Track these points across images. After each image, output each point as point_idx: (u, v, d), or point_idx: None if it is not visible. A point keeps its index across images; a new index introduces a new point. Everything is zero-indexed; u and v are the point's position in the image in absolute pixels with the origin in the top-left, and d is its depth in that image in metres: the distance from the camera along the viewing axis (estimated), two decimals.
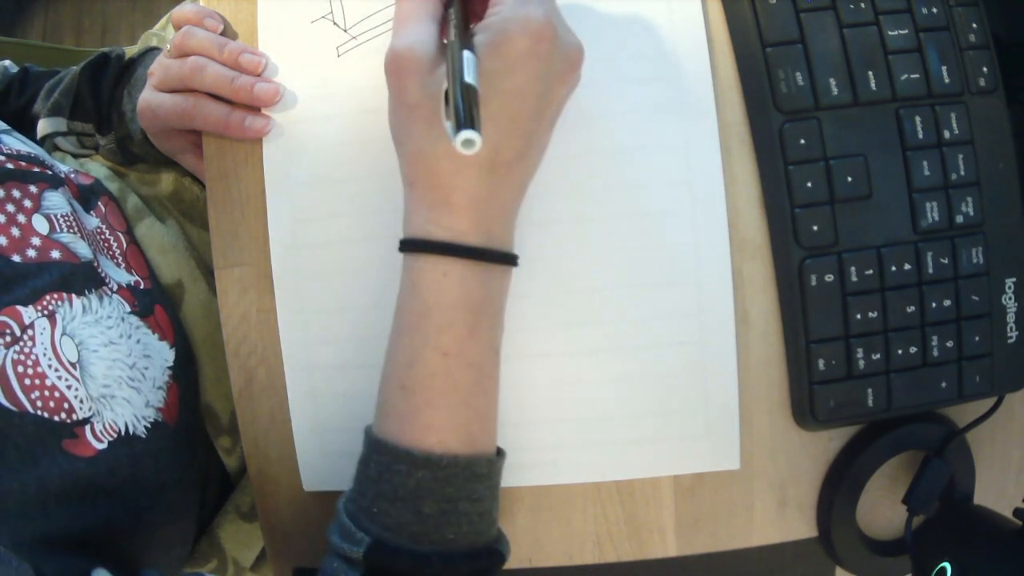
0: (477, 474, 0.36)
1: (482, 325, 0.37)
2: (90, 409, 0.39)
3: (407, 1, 0.36)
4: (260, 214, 0.44)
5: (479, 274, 0.36)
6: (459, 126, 0.30)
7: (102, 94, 0.53)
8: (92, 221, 0.47)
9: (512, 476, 0.43)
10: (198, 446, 0.49)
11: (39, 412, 0.37)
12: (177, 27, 0.45)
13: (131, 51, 0.55)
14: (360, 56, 0.43)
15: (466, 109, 0.30)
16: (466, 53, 0.33)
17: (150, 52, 0.54)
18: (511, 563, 0.45)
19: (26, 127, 0.55)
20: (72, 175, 0.49)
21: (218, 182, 0.45)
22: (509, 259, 0.38)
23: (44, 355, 0.38)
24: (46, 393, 0.37)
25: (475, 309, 0.36)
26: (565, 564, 0.44)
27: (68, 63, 0.59)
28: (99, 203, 0.49)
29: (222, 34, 0.45)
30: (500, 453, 0.39)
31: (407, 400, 0.36)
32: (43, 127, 0.54)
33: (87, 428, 0.39)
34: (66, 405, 0.38)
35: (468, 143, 0.30)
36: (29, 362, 0.37)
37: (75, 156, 0.56)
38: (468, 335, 0.36)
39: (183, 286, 0.50)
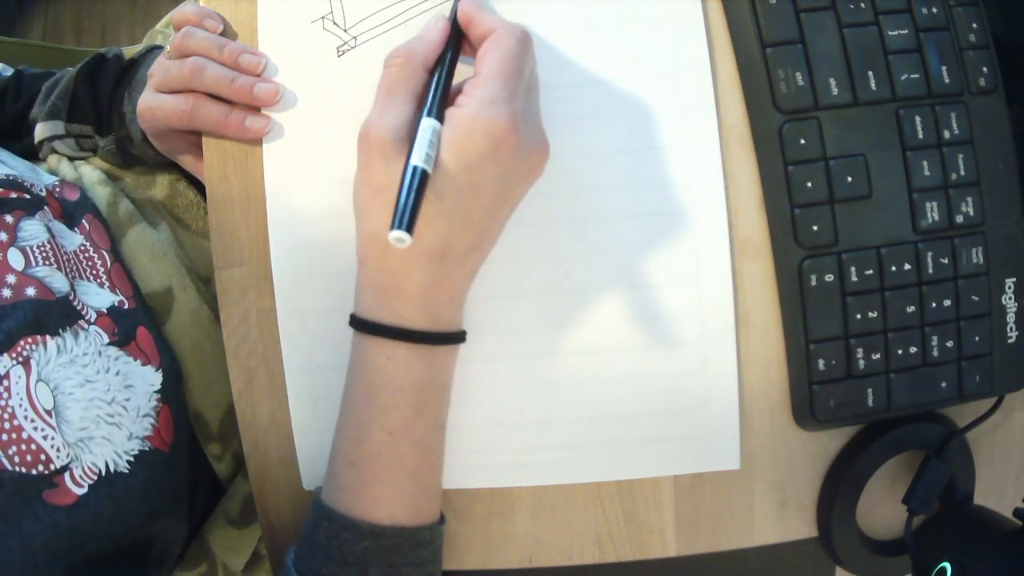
0: (421, 541, 0.38)
1: (427, 404, 0.38)
2: (68, 456, 0.38)
3: (393, 71, 0.36)
4: (260, 214, 0.44)
5: (424, 356, 0.37)
6: (393, 223, 0.31)
7: (101, 95, 0.53)
8: (76, 239, 0.46)
9: (512, 476, 0.43)
10: (195, 460, 0.49)
11: (17, 468, 0.36)
12: (177, 28, 0.45)
13: (132, 50, 0.55)
14: (360, 56, 0.43)
15: (408, 206, 0.32)
16: (431, 128, 0.33)
17: (151, 53, 0.54)
18: (511, 563, 0.45)
19: (24, 132, 0.55)
20: (56, 190, 0.47)
21: (218, 182, 0.45)
22: (456, 338, 0.39)
23: (20, 406, 0.37)
24: (23, 447, 0.36)
25: (420, 390, 0.37)
26: (565, 564, 0.45)
27: (68, 63, 0.58)
28: (83, 220, 0.48)
29: (222, 34, 0.45)
30: (442, 519, 0.40)
31: (356, 474, 0.38)
32: (41, 131, 0.54)
33: (66, 475, 0.38)
34: (43, 456, 0.37)
35: (399, 240, 0.31)
36: (5, 415, 0.36)
37: (72, 159, 0.55)
38: (413, 415, 0.37)
39: (172, 293, 0.49)
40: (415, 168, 0.33)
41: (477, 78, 0.35)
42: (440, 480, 0.41)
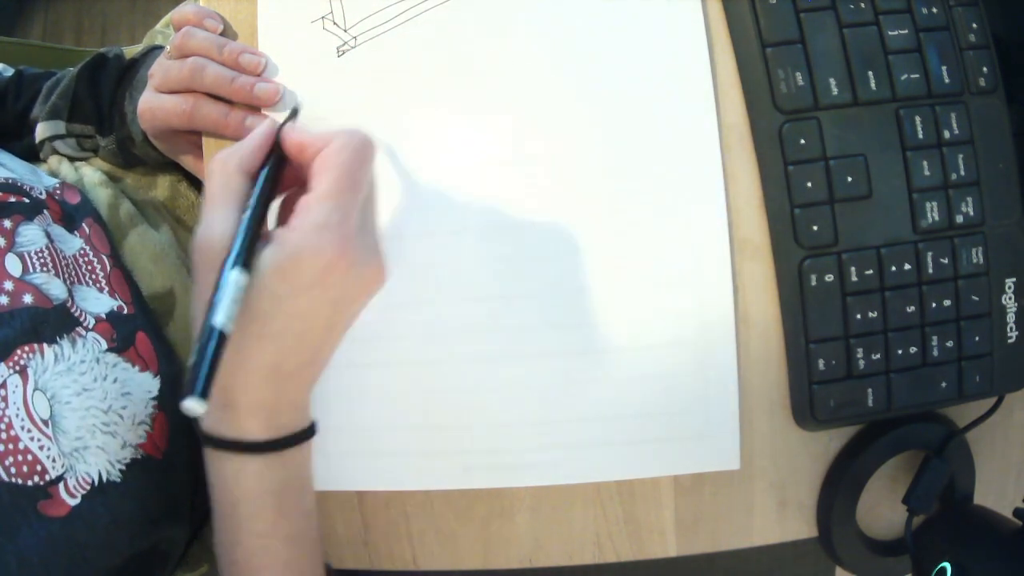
0: None
1: (288, 502, 0.38)
2: (63, 466, 0.38)
3: (215, 179, 0.35)
4: None
5: (273, 463, 0.37)
6: (185, 391, 0.29)
7: (102, 95, 0.53)
8: (75, 242, 0.45)
9: (512, 476, 0.43)
10: (195, 462, 0.49)
11: (13, 479, 0.35)
12: (177, 28, 0.45)
13: (132, 50, 0.55)
14: (360, 56, 0.43)
15: (202, 373, 0.29)
16: (234, 279, 0.31)
17: (151, 53, 0.54)
18: (511, 563, 0.45)
19: (25, 132, 0.55)
20: (57, 192, 0.47)
21: None
22: (304, 436, 0.39)
23: (17, 416, 0.36)
24: (19, 458, 0.36)
25: (277, 492, 0.38)
26: (565, 564, 0.45)
27: (68, 63, 0.58)
28: (83, 224, 0.47)
29: (222, 34, 0.45)
30: None
31: (239, 572, 0.38)
32: (41, 131, 0.54)
33: (60, 486, 0.37)
34: (39, 467, 0.37)
35: (190, 409, 0.30)
36: (2, 426, 0.36)
37: (72, 159, 0.55)
38: (277, 516, 0.38)
39: (174, 295, 0.49)
40: (212, 329, 0.30)
41: (310, 198, 0.34)
42: (319, 561, 0.41)
